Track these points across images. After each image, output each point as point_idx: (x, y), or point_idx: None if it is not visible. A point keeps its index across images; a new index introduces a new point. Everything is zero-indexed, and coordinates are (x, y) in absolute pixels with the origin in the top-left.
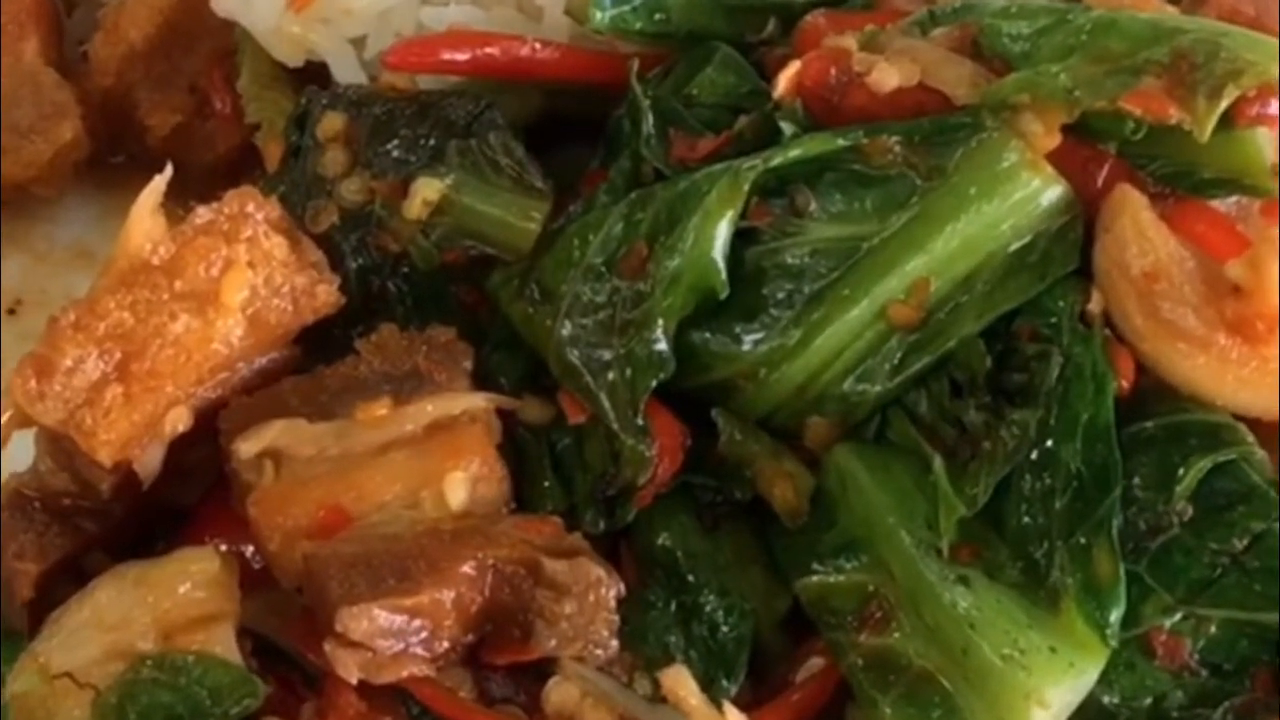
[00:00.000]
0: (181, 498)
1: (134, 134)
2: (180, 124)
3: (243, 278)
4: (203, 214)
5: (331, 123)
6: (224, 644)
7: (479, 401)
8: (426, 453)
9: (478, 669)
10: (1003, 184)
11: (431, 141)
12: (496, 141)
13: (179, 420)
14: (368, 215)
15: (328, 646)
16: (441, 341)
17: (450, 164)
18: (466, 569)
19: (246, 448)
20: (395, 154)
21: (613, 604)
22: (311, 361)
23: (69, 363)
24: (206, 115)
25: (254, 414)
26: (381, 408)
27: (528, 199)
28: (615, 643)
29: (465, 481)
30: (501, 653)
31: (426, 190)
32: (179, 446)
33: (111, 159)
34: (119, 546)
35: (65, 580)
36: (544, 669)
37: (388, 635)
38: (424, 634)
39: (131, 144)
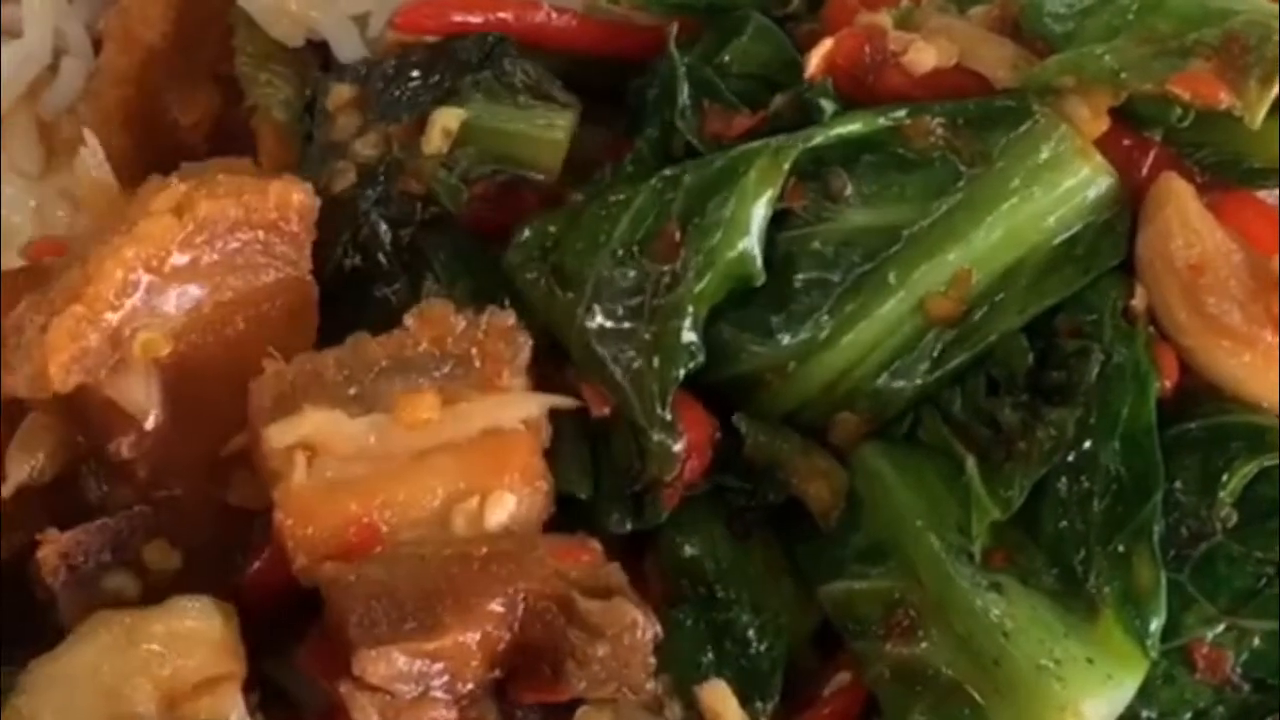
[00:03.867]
0: (249, 499)
1: (165, 136)
2: (218, 115)
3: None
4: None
5: (339, 93)
6: (232, 707)
7: (534, 408)
8: (471, 462)
9: (503, 702)
10: (1050, 172)
11: (446, 81)
12: (512, 66)
13: (153, 346)
14: (387, 166)
15: (344, 689)
16: (500, 328)
17: (466, 96)
18: (495, 606)
19: (279, 437)
20: (407, 97)
21: (649, 648)
22: (352, 323)
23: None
24: (235, 102)
25: (290, 388)
26: (427, 405)
27: (550, 111)
28: (651, 684)
29: (509, 500)
30: (530, 691)
31: (445, 119)
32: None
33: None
34: (202, 555)
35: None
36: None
37: (408, 679)
38: (446, 677)
39: (165, 148)
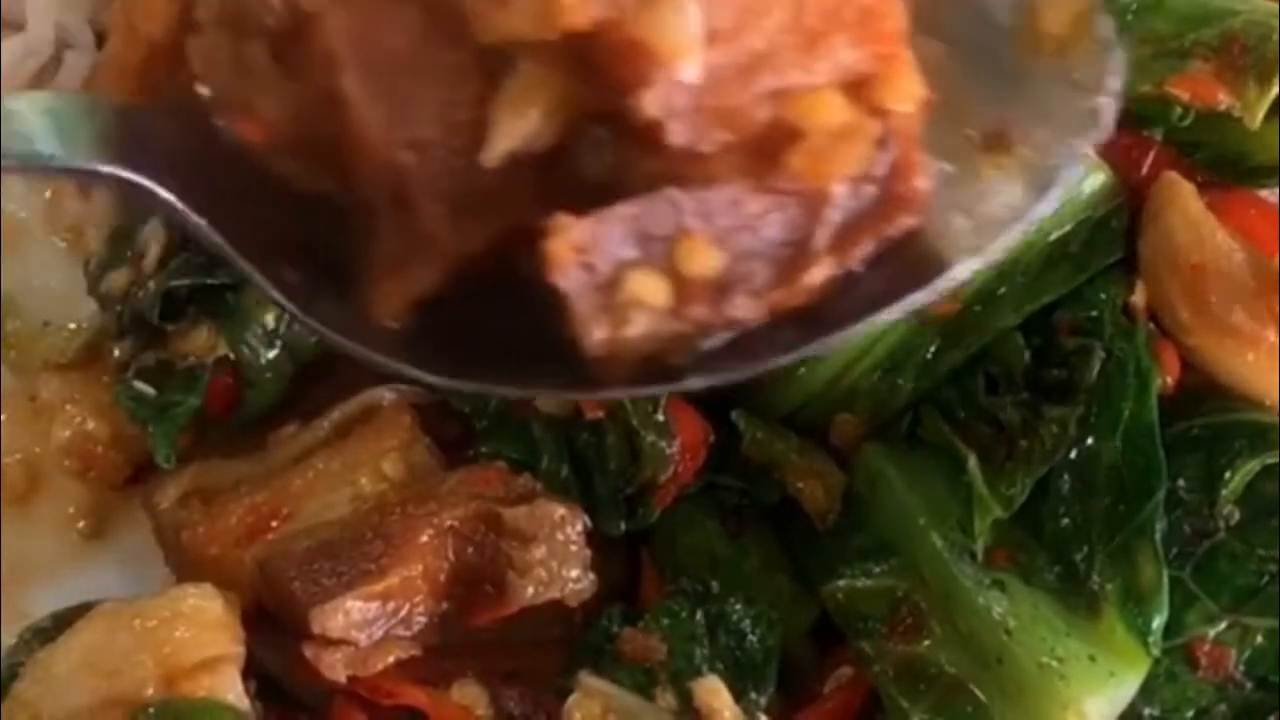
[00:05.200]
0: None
1: None
2: None
3: None
4: None
5: None
6: (230, 688)
7: (386, 394)
8: (346, 450)
9: (491, 685)
10: None
11: None
12: None
13: None
14: None
15: (309, 651)
16: None
17: None
18: (425, 539)
19: (167, 496)
20: None
21: (581, 539)
22: None
23: None
24: None
25: None
26: (290, 429)
27: None
28: (591, 577)
29: (396, 454)
30: (481, 613)
31: None
32: None
33: None
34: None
35: None
36: (564, 686)
37: (365, 625)
38: (401, 614)
39: None
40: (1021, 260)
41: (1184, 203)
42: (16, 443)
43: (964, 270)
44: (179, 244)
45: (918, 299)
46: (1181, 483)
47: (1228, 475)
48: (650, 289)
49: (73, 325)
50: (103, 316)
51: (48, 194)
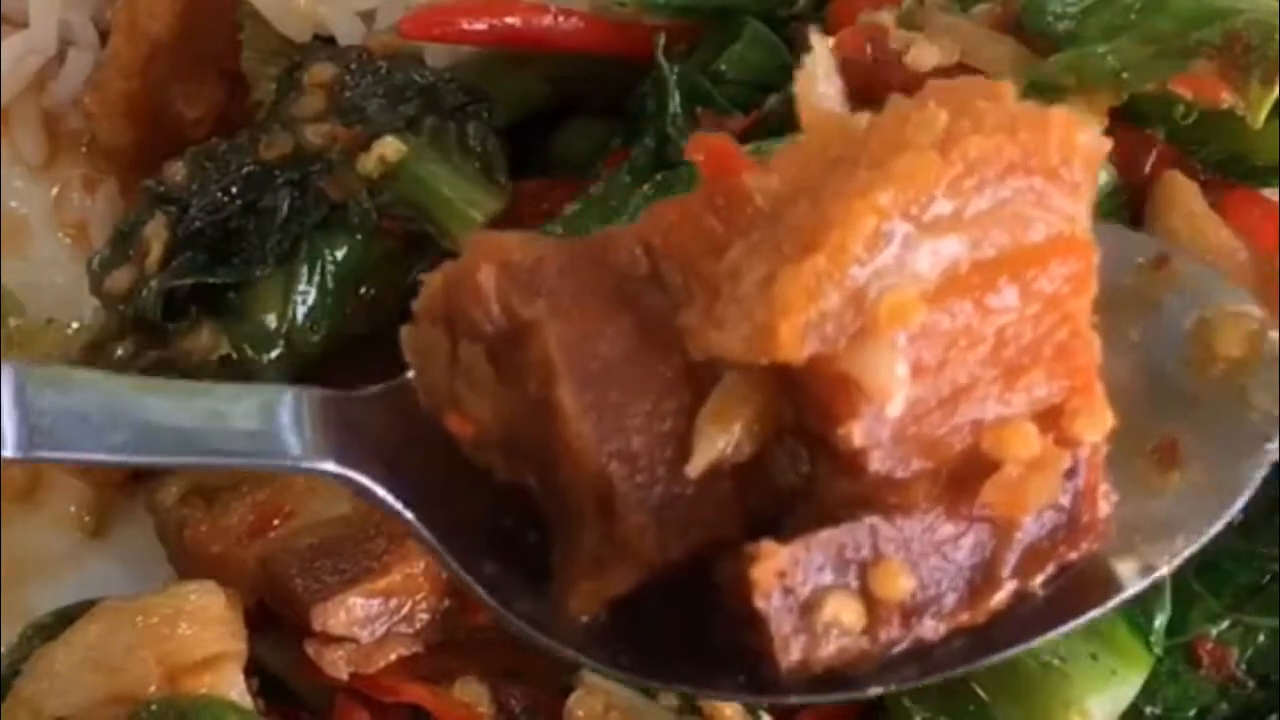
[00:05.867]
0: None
1: (170, 130)
2: (222, 110)
3: None
4: None
5: (322, 71)
6: (233, 685)
7: None
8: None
9: (493, 683)
10: None
11: (411, 111)
12: (475, 131)
13: (904, 312)
14: (322, 162)
15: (311, 649)
16: None
17: (421, 134)
18: None
19: (169, 495)
20: (370, 109)
21: None
22: None
23: None
24: (241, 97)
25: None
26: None
27: (483, 192)
28: None
29: None
30: (483, 610)
31: (387, 148)
32: None
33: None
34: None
35: None
36: (566, 684)
37: (367, 622)
38: (403, 612)
39: (169, 142)
40: None
41: (1187, 201)
42: None
43: (1136, 589)
44: (181, 243)
45: (1090, 616)
46: None
47: None
48: (847, 612)
49: (75, 323)
50: (105, 315)
51: (54, 191)
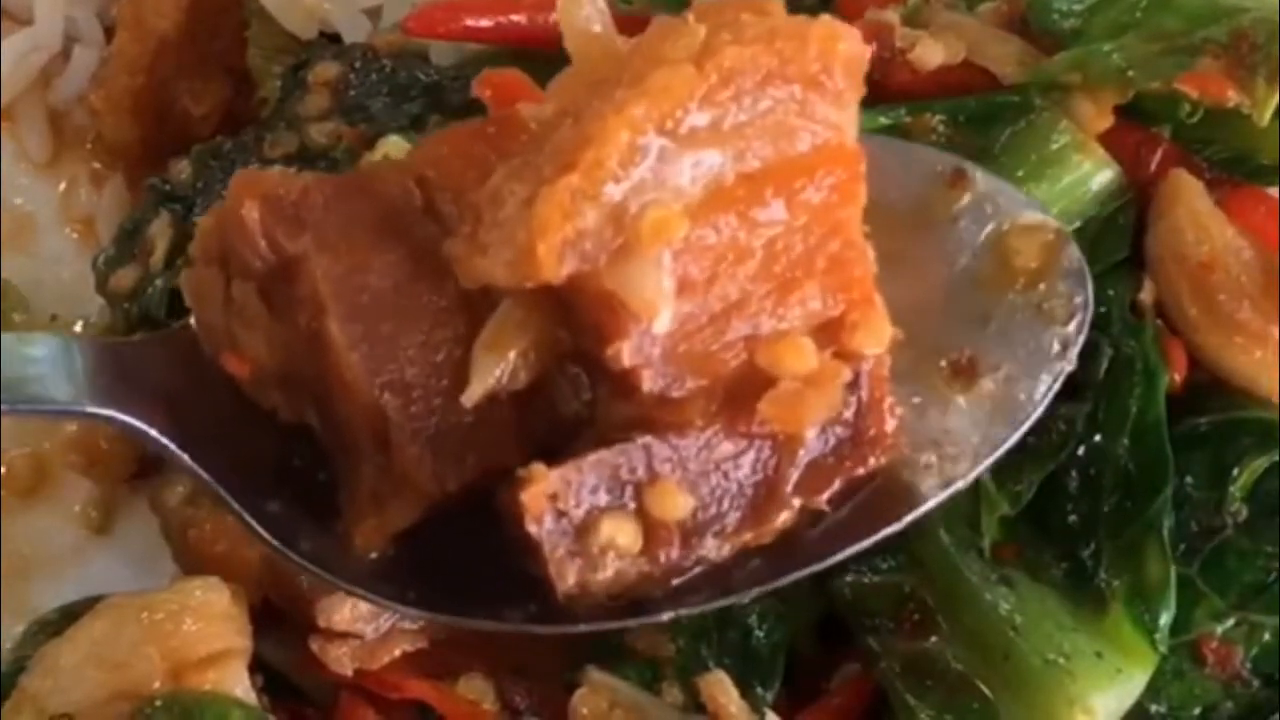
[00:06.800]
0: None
1: (176, 126)
2: (227, 107)
3: None
4: None
5: (327, 69)
6: (237, 682)
7: None
8: None
9: (498, 679)
10: (1051, 166)
11: (415, 109)
12: None
13: (666, 226)
14: (327, 161)
15: (315, 645)
16: None
17: (425, 132)
18: None
19: (174, 494)
20: (375, 108)
21: None
22: None
23: None
24: (247, 94)
25: None
26: None
27: None
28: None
29: None
30: None
31: (392, 147)
32: None
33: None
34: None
35: None
36: (570, 681)
37: (371, 618)
38: None
39: (175, 138)
40: None
41: (1192, 200)
42: (23, 438)
43: (933, 502)
44: (186, 241)
45: (888, 531)
46: (1189, 480)
47: (1235, 472)
48: (623, 534)
49: (81, 321)
50: (111, 313)
51: (61, 186)
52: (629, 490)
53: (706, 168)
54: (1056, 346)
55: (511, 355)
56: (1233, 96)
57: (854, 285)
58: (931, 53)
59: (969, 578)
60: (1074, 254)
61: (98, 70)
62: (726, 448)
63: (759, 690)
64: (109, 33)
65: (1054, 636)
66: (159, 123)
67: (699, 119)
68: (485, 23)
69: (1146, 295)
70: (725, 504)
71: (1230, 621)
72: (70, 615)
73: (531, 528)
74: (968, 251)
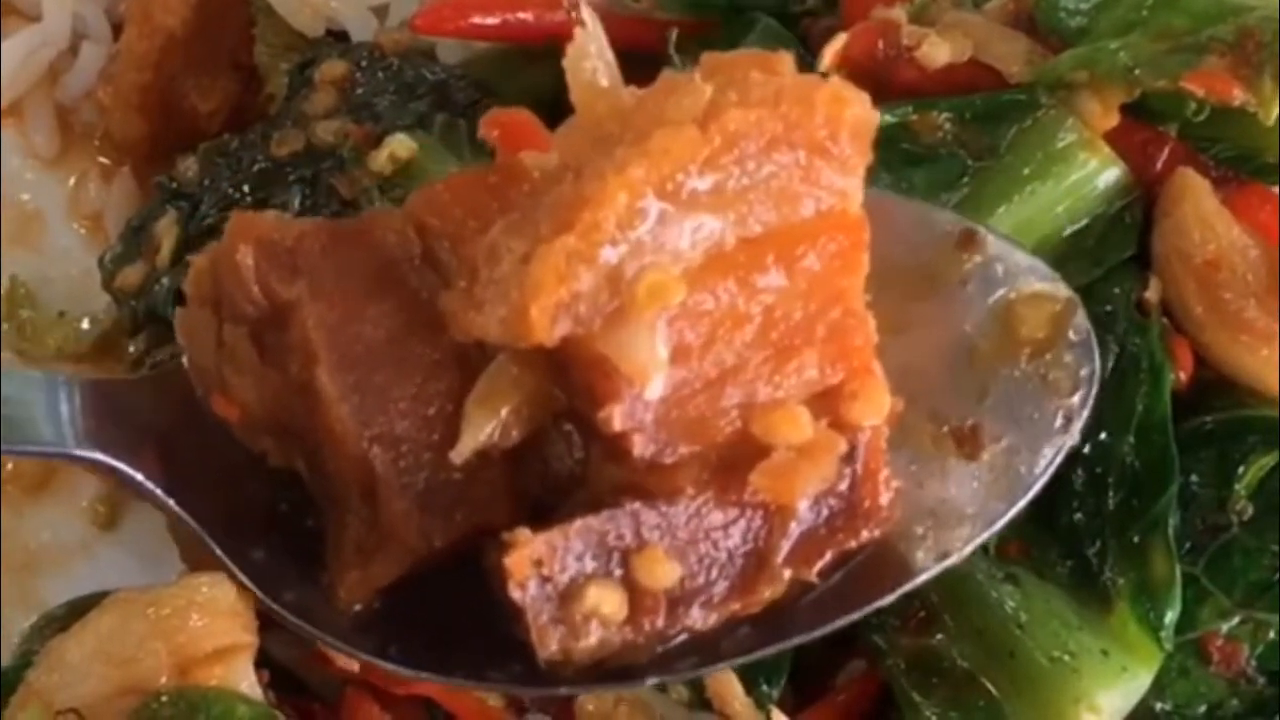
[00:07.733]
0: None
1: (185, 122)
2: (235, 103)
3: None
4: None
5: (333, 68)
6: (243, 677)
7: None
8: None
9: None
10: (1058, 165)
11: (422, 107)
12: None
13: (662, 291)
14: (334, 159)
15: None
16: None
17: (432, 131)
18: None
19: None
20: (381, 106)
21: None
22: None
23: None
24: (254, 91)
25: None
26: None
27: None
28: None
29: None
30: None
31: (398, 146)
32: None
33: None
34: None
35: None
36: None
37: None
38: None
39: (182, 135)
40: (1036, 255)
41: (1198, 198)
42: None
43: (926, 575)
44: (192, 239)
45: (879, 604)
46: (1194, 478)
47: (1240, 470)
48: (607, 603)
49: (87, 319)
50: (117, 310)
51: (70, 182)
52: (615, 557)
53: (707, 232)
54: (1060, 419)
55: (504, 412)
56: (1239, 95)
57: (854, 354)
58: (938, 50)
59: (975, 575)
60: (1082, 324)
61: (105, 66)
62: (717, 516)
63: (765, 687)
64: (117, 29)
65: (1059, 634)
66: (166, 119)
67: (700, 183)
68: (492, 20)
69: (1152, 293)
70: (713, 573)
71: (1235, 619)
72: (77, 610)
73: (515, 593)
74: (974, 317)
